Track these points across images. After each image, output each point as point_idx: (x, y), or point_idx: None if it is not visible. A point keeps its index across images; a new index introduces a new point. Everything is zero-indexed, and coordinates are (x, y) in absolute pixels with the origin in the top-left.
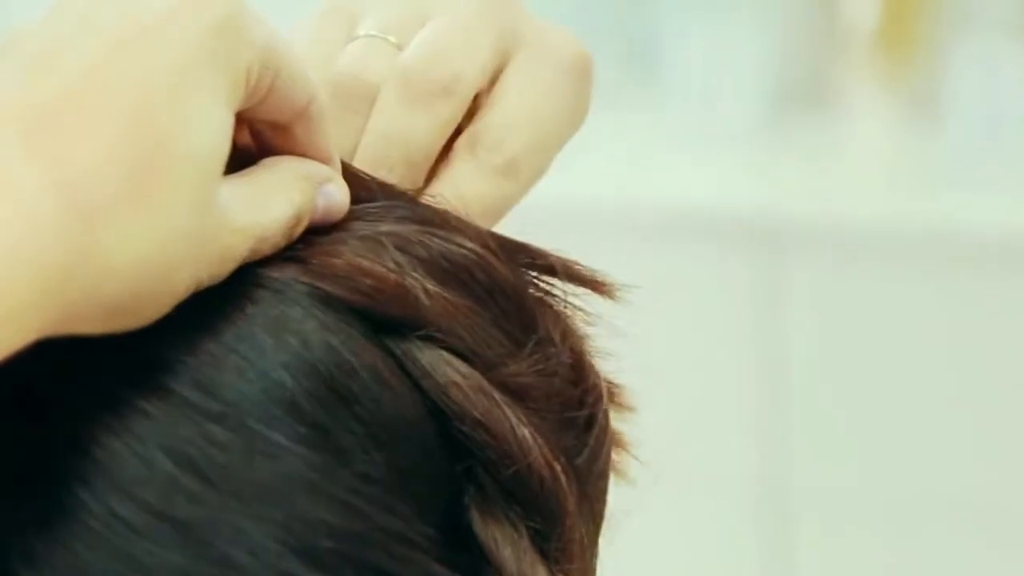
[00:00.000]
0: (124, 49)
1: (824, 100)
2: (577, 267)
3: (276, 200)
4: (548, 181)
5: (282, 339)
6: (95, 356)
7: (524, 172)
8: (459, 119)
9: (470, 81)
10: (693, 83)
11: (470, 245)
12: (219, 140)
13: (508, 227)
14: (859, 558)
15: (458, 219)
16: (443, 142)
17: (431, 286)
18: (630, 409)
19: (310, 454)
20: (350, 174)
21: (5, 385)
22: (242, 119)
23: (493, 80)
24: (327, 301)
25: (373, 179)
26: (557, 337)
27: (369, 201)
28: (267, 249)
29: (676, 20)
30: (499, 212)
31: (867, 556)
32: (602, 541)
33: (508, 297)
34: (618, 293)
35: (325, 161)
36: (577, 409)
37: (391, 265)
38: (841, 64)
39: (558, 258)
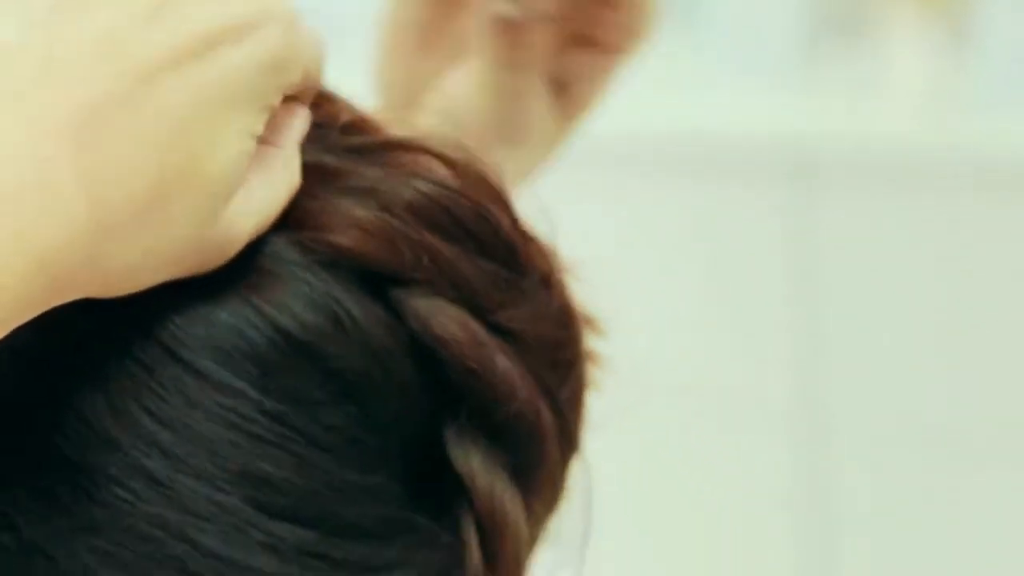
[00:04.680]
0: (186, 59)
1: (860, 31)
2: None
3: (279, 190)
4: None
5: (258, 302)
6: (82, 315)
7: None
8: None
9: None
10: (729, 14)
11: (461, 190)
12: (238, 167)
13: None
14: (895, 487)
15: (443, 151)
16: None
17: (425, 234)
18: (604, 334)
19: (269, 402)
20: (327, 101)
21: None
22: None
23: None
24: (318, 258)
25: (350, 107)
26: (546, 281)
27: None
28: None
29: None
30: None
31: (903, 484)
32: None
33: (500, 242)
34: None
35: None
36: (563, 350)
37: (382, 216)
38: None
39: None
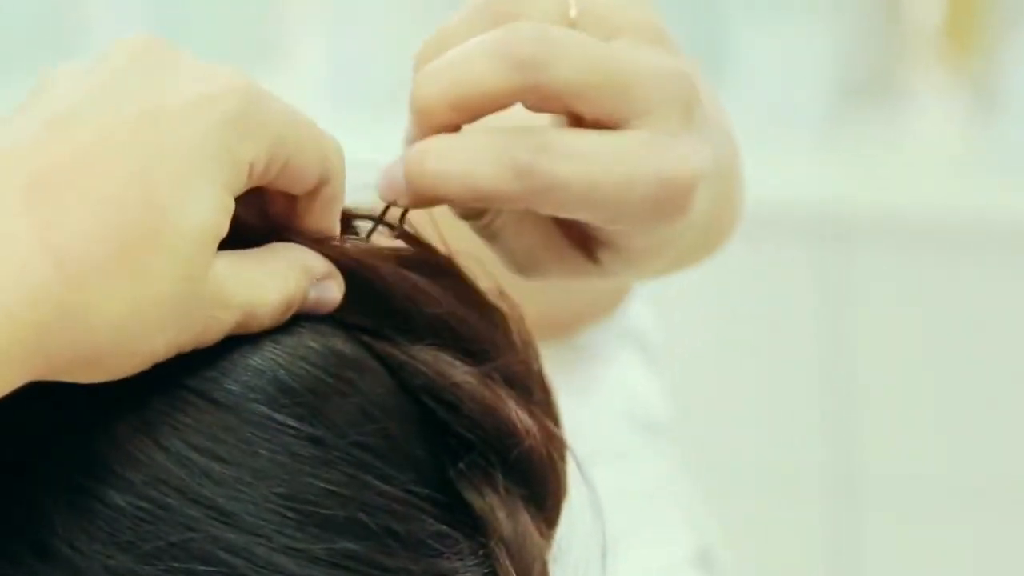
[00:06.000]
0: (139, 127)
1: (889, 95)
2: None
3: (271, 283)
4: None
5: (278, 351)
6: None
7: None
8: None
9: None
10: (760, 79)
11: (441, 253)
12: (214, 220)
13: None
14: (927, 549)
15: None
16: (502, 108)
17: (427, 288)
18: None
19: (308, 429)
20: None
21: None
22: (259, 189)
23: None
24: (324, 319)
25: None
26: (506, 320)
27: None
28: (254, 326)
29: (744, 18)
30: None
31: (935, 547)
32: None
33: (476, 300)
34: None
35: (326, 234)
36: (539, 388)
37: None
38: (906, 59)
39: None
